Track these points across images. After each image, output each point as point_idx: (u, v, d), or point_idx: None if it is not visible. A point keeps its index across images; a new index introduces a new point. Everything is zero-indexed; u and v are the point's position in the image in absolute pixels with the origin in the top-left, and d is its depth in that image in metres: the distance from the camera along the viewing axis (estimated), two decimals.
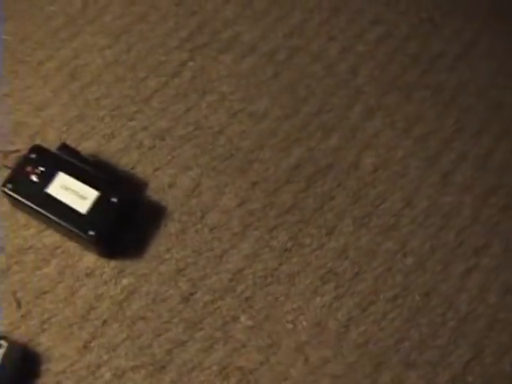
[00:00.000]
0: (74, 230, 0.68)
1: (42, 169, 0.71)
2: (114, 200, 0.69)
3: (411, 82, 0.81)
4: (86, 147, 0.75)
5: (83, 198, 0.69)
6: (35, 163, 0.71)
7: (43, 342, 0.65)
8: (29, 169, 0.70)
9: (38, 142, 0.75)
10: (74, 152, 0.73)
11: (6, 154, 0.74)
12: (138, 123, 0.76)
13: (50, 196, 0.70)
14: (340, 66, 0.80)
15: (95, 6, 0.83)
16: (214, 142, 0.75)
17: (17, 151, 0.74)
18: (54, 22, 0.83)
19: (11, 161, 0.74)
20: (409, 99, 0.80)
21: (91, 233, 0.67)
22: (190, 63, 0.80)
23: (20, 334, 0.66)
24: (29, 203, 0.69)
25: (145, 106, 0.77)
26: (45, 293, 0.69)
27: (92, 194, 0.69)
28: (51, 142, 0.75)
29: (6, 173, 0.74)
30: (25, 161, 0.72)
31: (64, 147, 0.73)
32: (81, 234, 0.68)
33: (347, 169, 0.75)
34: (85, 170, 0.71)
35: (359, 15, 0.84)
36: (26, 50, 0.81)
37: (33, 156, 0.72)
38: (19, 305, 0.68)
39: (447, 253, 0.72)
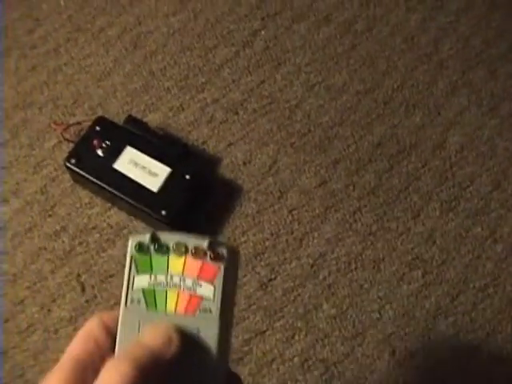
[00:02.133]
0: (144, 209, 0.62)
1: (107, 142, 0.64)
2: (187, 177, 0.63)
3: (496, 57, 0.74)
4: (152, 120, 0.69)
5: (154, 174, 0.63)
6: (100, 136, 0.65)
7: None
8: (94, 142, 0.64)
9: (99, 113, 0.69)
10: (141, 125, 0.66)
11: (67, 126, 0.67)
12: (208, 95, 0.69)
13: (117, 172, 0.63)
14: (421, 39, 0.74)
15: None
16: (291, 117, 0.68)
17: (78, 124, 0.68)
18: None
19: (72, 134, 0.67)
20: (494, 75, 0.73)
21: (163, 212, 0.61)
22: (262, 32, 0.73)
23: (84, 321, 0.60)
24: (95, 179, 0.63)
25: (215, 77, 0.70)
26: (110, 276, 0.63)
27: (163, 170, 0.63)
28: (114, 114, 0.69)
29: (66, 146, 0.67)
30: (89, 133, 0.65)
31: (131, 119, 0.67)
32: (152, 213, 0.62)
33: (432, 148, 0.69)
34: (154, 144, 0.65)
35: None
36: (86, 17, 0.74)
37: (97, 128, 0.66)
38: (83, 289, 0.62)
39: None
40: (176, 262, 0.33)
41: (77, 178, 0.65)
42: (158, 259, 0.34)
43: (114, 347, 0.33)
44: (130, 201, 0.63)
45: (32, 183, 0.67)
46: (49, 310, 0.61)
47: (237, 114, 0.69)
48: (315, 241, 0.64)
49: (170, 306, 0.33)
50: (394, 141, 0.69)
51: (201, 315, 0.33)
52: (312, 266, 0.64)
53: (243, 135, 0.68)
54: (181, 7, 0.75)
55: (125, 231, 0.65)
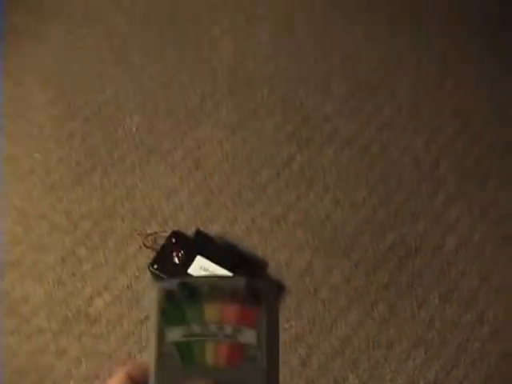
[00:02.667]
0: None
1: (182, 252, 1.00)
2: None
3: (488, 171, 1.10)
4: (212, 230, 1.04)
5: None
6: (176, 247, 1.01)
7: None
8: (173, 252, 1.00)
9: (170, 224, 1.04)
10: (208, 237, 1.02)
11: (147, 235, 1.03)
12: (257, 210, 1.05)
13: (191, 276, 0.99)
14: (425, 158, 1.10)
15: (211, 101, 1.13)
16: (322, 228, 1.04)
17: (155, 233, 1.03)
18: (176, 114, 1.12)
19: (150, 241, 1.03)
20: (484, 187, 1.09)
21: None
22: (298, 155, 1.09)
23: None
24: None
25: (261, 194, 1.06)
26: None
27: (226, 274, 0.99)
28: (182, 225, 1.04)
29: (145, 251, 1.03)
30: (167, 244, 1.01)
31: (199, 233, 1.02)
32: None
33: (433, 250, 1.04)
34: (218, 253, 1.00)
35: (441, 109, 1.13)
36: (154, 141, 1.11)
37: (173, 240, 1.01)
38: None
39: None
40: (211, 309, 0.34)
41: (158, 280, 1.01)
42: (190, 308, 0.34)
43: None
44: None
45: (119, 280, 1.03)
46: None
47: (279, 225, 1.05)
48: (342, 326, 1.00)
49: (210, 358, 0.34)
50: (403, 245, 1.05)
51: (246, 365, 0.34)
52: (340, 346, 0.99)
53: (285, 243, 1.04)
54: (231, 134, 1.11)
55: None
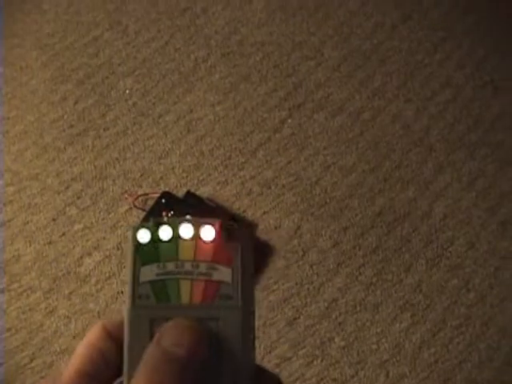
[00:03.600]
0: None
1: (171, 212, 1.00)
2: None
3: (475, 141, 1.10)
4: (203, 192, 1.04)
5: None
6: (165, 207, 1.01)
7: None
8: (163, 212, 1.00)
9: (161, 186, 1.04)
10: (197, 198, 1.02)
11: (137, 196, 1.03)
12: (247, 173, 1.05)
13: None
14: (415, 126, 1.10)
15: (204, 65, 1.12)
16: (312, 191, 1.04)
17: (145, 194, 1.03)
18: (170, 78, 1.12)
19: (140, 202, 1.03)
20: (473, 156, 1.09)
21: None
22: (289, 120, 1.09)
23: None
24: None
25: (252, 157, 1.06)
26: None
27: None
28: (173, 187, 1.04)
29: (135, 212, 1.03)
30: (156, 205, 1.01)
31: (189, 194, 1.02)
32: None
33: (421, 216, 1.04)
34: (207, 214, 1.00)
35: (432, 79, 1.13)
36: (147, 104, 1.10)
37: (163, 201, 1.01)
38: None
39: (504, 290, 1.02)
40: (186, 247, 0.35)
41: None
42: (165, 246, 0.35)
43: (122, 356, 0.34)
44: None
45: (110, 240, 1.03)
46: None
47: (269, 188, 1.05)
48: (329, 289, 1.00)
49: (184, 296, 0.34)
50: (391, 211, 1.05)
51: (220, 302, 0.34)
52: (327, 309, 0.99)
53: (274, 206, 1.04)
54: (224, 98, 1.10)
55: None
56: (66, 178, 1.04)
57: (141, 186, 1.03)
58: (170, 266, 0.35)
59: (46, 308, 0.97)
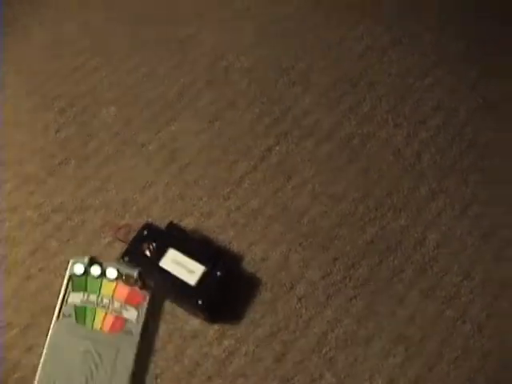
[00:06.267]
0: (184, 299, 0.90)
1: (154, 244, 0.93)
2: (219, 274, 0.91)
3: (468, 166, 1.03)
4: (187, 223, 0.97)
5: (191, 271, 0.91)
6: (148, 239, 0.94)
7: None
8: (144, 245, 0.93)
9: (144, 217, 0.97)
10: (180, 230, 0.95)
11: (118, 228, 0.96)
12: (232, 203, 0.98)
13: (162, 269, 0.92)
14: (406, 152, 1.03)
15: (189, 92, 1.06)
16: (300, 221, 0.97)
17: (127, 225, 0.96)
18: (154, 106, 1.06)
19: (122, 234, 0.96)
20: (466, 182, 1.02)
21: (199, 302, 0.89)
22: (276, 148, 1.02)
23: None
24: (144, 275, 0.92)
25: (237, 187, 0.99)
26: (156, 351, 0.91)
27: (199, 268, 0.91)
28: (156, 218, 0.97)
29: (118, 244, 0.96)
30: (138, 237, 0.94)
31: (172, 225, 0.95)
32: (190, 302, 0.90)
33: (414, 245, 0.97)
34: (191, 246, 0.93)
35: (423, 103, 1.07)
36: (130, 133, 1.04)
37: (145, 233, 0.94)
38: None
39: (502, 319, 0.94)
40: (108, 286, 0.46)
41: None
42: (92, 281, 0.46)
43: None
44: (173, 292, 0.91)
45: None
46: None
47: (256, 218, 0.98)
48: (319, 323, 0.92)
49: (97, 323, 0.45)
50: (383, 240, 0.98)
51: (122, 336, 0.45)
52: (317, 343, 0.92)
53: (261, 236, 0.97)
54: (209, 125, 1.04)
55: (168, 316, 0.92)
56: (46, 210, 0.98)
57: (123, 218, 0.97)
58: (92, 297, 0.45)
59: (23, 345, 0.90)
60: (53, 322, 0.46)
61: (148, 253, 0.91)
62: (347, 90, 1.06)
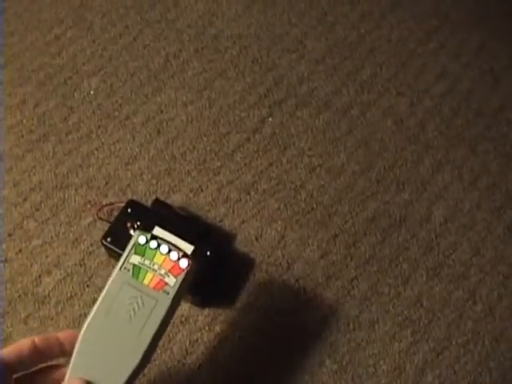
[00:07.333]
0: None
1: (138, 223, 0.85)
2: (208, 253, 0.83)
3: (475, 136, 0.95)
4: (175, 200, 0.89)
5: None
6: (132, 217, 0.85)
7: None
8: (128, 223, 0.84)
9: (128, 194, 0.89)
10: (167, 207, 0.87)
11: (101, 207, 0.87)
12: (224, 177, 0.90)
13: None
14: (410, 121, 0.94)
15: (176, 62, 0.97)
16: (296, 197, 0.89)
17: (110, 204, 0.88)
18: (138, 77, 0.97)
19: (105, 213, 0.88)
20: (474, 152, 0.94)
21: None
22: (270, 119, 0.94)
23: None
24: None
25: (229, 161, 0.91)
26: None
27: (187, 247, 0.83)
28: (141, 195, 0.89)
29: (100, 224, 0.88)
30: (122, 215, 0.86)
31: (157, 202, 0.87)
32: None
33: (419, 221, 0.89)
34: (178, 223, 0.85)
35: (426, 70, 0.98)
36: (113, 105, 0.95)
37: (129, 210, 0.86)
38: None
39: None
40: (159, 257, 0.59)
41: (112, 254, 0.86)
42: (149, 250, 0.59)
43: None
44: None
45: (71, 256, 0.87)
46: None
47: (249, 194, 0.89)
48: (318, 305, 0.85)
49: (146, 280, 0.58)
50: (386, 215, 0.90)
51: (162, 294, 0.57)
52: (316, 327, 0.84)
53: (255, 213, 0.88)
54: (197, 96, 0.95)
55: None
56: (24, 189, 0.89)
57: (106, 195, 0.88)
58: (147, 262, 0.59)
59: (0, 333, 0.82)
60: (115, 271, 0.59)
61: (132, 232, 0.83)
62: (345, 56, 0.98)
